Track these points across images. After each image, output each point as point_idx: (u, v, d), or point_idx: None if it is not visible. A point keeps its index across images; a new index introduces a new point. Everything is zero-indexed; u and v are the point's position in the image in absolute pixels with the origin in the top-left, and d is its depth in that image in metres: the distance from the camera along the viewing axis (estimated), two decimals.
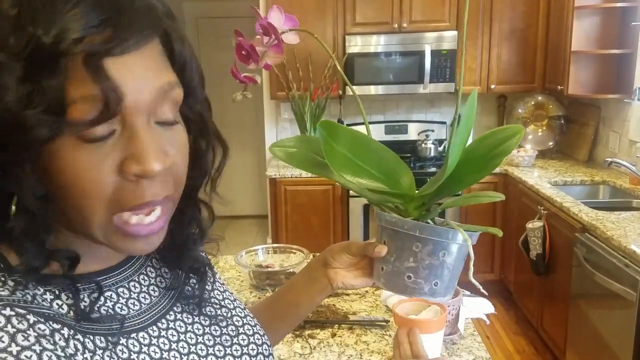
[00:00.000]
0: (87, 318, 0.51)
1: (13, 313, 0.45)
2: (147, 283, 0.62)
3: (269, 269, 1.64)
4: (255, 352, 0.67)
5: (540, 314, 3.06)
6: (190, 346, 0.61)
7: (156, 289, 0.63)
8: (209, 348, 0.62)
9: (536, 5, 3.65)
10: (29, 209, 0.46)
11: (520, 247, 3.10)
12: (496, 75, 3.76)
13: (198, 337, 0.62)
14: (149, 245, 0.52)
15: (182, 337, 0.61)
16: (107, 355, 0.51)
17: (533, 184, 3.11)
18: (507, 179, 3.53)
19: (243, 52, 0.70)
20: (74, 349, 0.48)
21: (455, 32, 3.65)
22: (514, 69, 3.76)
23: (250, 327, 0.69)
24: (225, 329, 0.66)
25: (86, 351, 0.49)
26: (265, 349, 0.69)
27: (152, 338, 0.57)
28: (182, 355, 0.59)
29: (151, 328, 0.58)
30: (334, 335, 1.37)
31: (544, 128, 3.88)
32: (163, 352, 0.57)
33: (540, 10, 3.65)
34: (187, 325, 0.62)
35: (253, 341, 0.68)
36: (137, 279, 0.61)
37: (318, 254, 0.86)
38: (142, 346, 0.55)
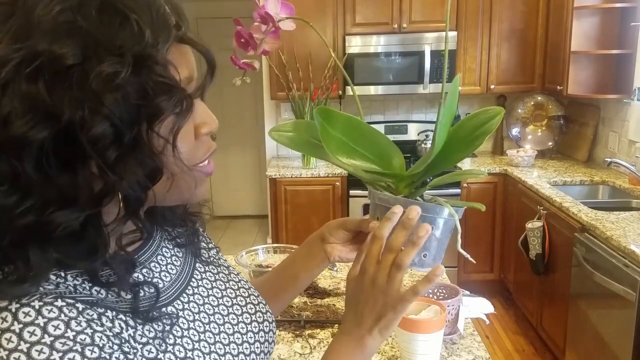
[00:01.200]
0: (146, 318, 0.58)
1: (64, 303, 0.50)
2: (169, 254, 0.69)
3: (269, 269, 1.64)
4: (262, 319, 0.75)
5: (540, 313, 3.07)
6: (214, 307, 0.69)
7: (177, 258, 0.70)
8: (228, 308, 0.71)
9: (536, 6, 3.66)
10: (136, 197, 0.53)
11: (519, 247, 3.10)
12: (496, 75, 3.76)
13: (214, 308, 0.70)
14: (207, 186, 0.65)
15: (206, 300, 0.69)
16: (147, 329, 0.58)
17: (533, 184, 3.11)
18: (507, 179, 3.53)
19: (242, 40, 0.74)
20: (119, 328, 0.55)
21: (455, 33, 3.65)
22: (513, 69, 3.76)
23: (255, 297, 0.77)
24: (235, 299, 0.74)
25: (129, 328, 0.56)
26: (269, 316, 0.77)
27: (184, 304, 0.65)
28: (209, 316, 0.68)
29: (182, 296, 0.66)
30: (334, 335, 1.38)
31: (544, 128, 3.89)
32: (195, 314, 0.66)
33: (540, 10, 3.65)
34: (208, 290, 0.71)
35: (259, 309, 0.76)
36: (161, 252, 0.68)
37: None
38: (178, 311, 0.64)
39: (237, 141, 5.53)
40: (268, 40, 0.75)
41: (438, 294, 1.42)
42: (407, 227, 0.66)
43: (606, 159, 3.02)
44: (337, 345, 0.71)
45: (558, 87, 3.47)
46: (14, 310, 0.48)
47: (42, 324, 0.48)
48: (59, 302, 0.50)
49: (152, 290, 0.61)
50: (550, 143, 3.87)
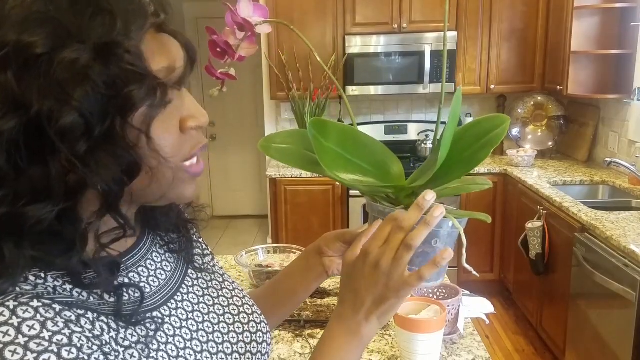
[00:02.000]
0: (128, 322, 0.56)
1: (40, 304, 0.49)
2: (159, 259, 0.67)
3: (269, 269, 1.64)
4: (255, 329, 0.72)
5: (540, 313, 3.07)
6: (204, 315, 0.67)
7: (168, 264, 0.68)
8: (219, 317, 0.69)
9: (536, 6, 3.66)
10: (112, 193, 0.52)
11: (519, 247, 3.10)
12: (496, 75, 3.76)
13: (204, 315, 0.68)
14: (194, 187, 0.61)
15: (196, 307, 0.67)
16: (129, 334, 0.56)
17: (533, 184, 3.11)
18: (507, 179, 3.53)
19: (218, 50, 0.70)
20: (100, 330, 0.53)
21: (455, 33, 3.65)
22: (513, 69, 3.76)
23: (249, 307, 0.74)
24: (227, 308, 0.71)
25: (111, 330, 0.54)
26: (264, 327, 0.74)
27: (171, 310, 0.63)
28: (198, 323, 0.65)
29: (170, 302, 0.64)
30: None
31: (544, 128, 3.89)
32: (182, 321, 0.64)
33: (540, 10, 3.65)
34: (199, 298, 0.68)
35: (252, 319, 0.73)
36: (151, 257, 0.66)
37: None
38: (165, 317, 0.62)
39: (237, 141, 5.53)
40: (244, 46, 0.71)
41: (438, 293, 1.42)
42: (422, 208, 0.63)
43: (606, 159, 3.02)
44: (332, 335, 0.67)
45: (558, 87, 3.47)
46: None
47: (16, 324, 0.47)
48: (35, 303, 0.49)
49: (137, 293, 0.59)
50: (550, 143, 3.87)
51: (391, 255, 0.63)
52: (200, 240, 0.80)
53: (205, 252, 0.79)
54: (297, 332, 1.38)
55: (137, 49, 0.50)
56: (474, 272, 0.71)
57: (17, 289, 0.49)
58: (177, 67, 0.56)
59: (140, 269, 0.63)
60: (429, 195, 0.63)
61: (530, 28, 3.70)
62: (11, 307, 0.48)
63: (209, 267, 0.76)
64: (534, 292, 3.12)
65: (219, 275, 0.76)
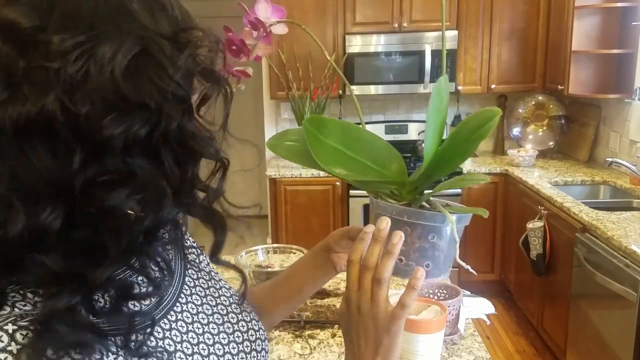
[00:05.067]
0: (137, 355, 0.51)
1: (16, 327, 0.45)
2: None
3: (269, 269, 1.64)
4: (254, 337, 0.70)
5: (541, 314, 3.06)
6: (204, 326, 0.64)
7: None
8: (219, 327, 0.66)
9: (536, 5, 3.65)
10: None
11: (520, 247, 3.10)
12: (496, 75, 3.75)
13: (205, 325, 0.65)
14: None
15: (195, 318, 0.64)
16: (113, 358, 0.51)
17: (533, 184, 3.10)
18: (508, 178, 3.53)
19: (234, 47, 0.71)
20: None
21: (456, 32, 3.64)
22: (514, 68, 3.75)
23: (247, 314, 0.72)
24: (226, 316, 0.69)
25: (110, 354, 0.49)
26: (262, 334, 0.72)
27: (171, 322, 0.60)
28: (198, 336, 0.62)
29: (170, 314, 0.61)
30: (334, 335, 1.37)
31: (545, 128, 3.88)
32: (183, 334, 0.61)
33: (541, 10, 3.65)
34: (193, 317, 0.64)
35: (251, 327, 0.71)
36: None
37: None
38: (165, 331, 0.59)
39: (237, 141, 5.52)
40: (261, 45, 0.72)
41: (439, 294, 1.41)
42: (379, 240, 0.63)
43: (607, 159, 3.01)
44: None
45: (559, 87, 3.46)
46: None
47: None
48: (10, 327, 0.44)
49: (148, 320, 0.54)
50: (551, 143, 3.86)
51: (367, 296, 0.63)
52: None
53: (192, 249, 0.75)
54: (297, 333, 1.38)
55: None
56: (470, 269, 0.71)
57: None
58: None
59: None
60: (382, 224, 0.63)
61: (531, 27, 3.69)
62: None
63: (196, 263, 0.72)
64: (535, 292, 3.11)
65: (206, 274, 0.72)
